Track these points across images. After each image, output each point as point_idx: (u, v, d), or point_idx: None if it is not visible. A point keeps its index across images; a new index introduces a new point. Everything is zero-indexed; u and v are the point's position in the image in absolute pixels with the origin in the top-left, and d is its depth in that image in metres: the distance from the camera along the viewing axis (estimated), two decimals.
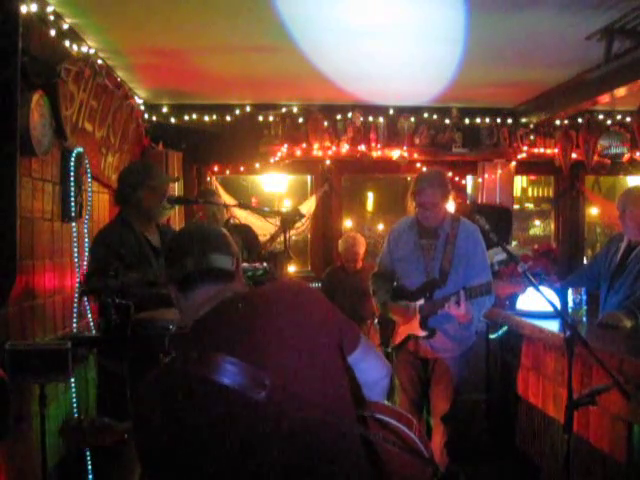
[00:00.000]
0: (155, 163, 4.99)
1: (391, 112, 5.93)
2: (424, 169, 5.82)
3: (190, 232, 1.82)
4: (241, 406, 1.44)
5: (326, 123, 5.84)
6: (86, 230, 3.57)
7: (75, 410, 3.25)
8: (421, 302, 3.41)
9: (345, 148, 5.82)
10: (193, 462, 1.42)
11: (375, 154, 5.87)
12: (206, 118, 5.77)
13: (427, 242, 3.51)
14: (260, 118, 5.82)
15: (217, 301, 1.60)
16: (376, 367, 1.78)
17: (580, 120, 5.97)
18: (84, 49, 3.70)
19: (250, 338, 1.53)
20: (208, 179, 5.90)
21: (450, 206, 3.71)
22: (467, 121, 6.03)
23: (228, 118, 5.78)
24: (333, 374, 1.59)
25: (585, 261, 6.31)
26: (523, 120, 6.02)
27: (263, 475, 1.44)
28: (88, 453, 3.20)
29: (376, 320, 3.98)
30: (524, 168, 6.28)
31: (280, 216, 3.76)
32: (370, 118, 5.92)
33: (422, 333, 3.40)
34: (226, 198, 5.61)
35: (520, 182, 7.21)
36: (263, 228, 5.42)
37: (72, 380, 3.12)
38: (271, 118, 5.81)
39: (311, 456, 1.48)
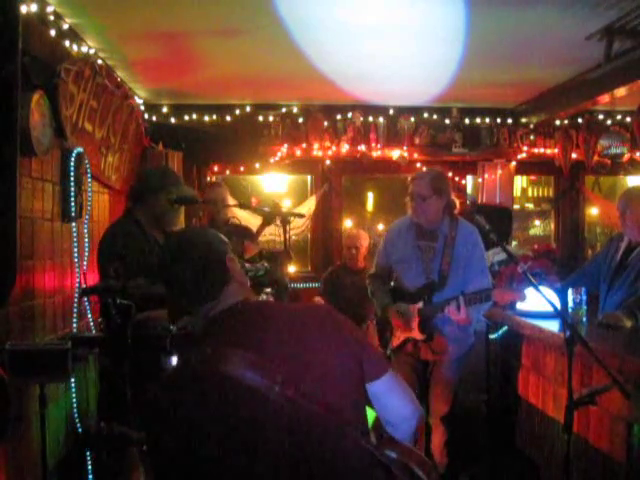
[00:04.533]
0: (156, 164, 5.02)
1: (391, 112, 5.93)
2: (424, 169, 5.83)
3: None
4: (254, 402, 1.46)
5: (326, 123, 5.85)
6: (86, 230, 3.57)
7: (75, 410, 3.26)
8: (420, 304, 3.40)
9: (345, 148, 5.82)
10: (206, 457, 1.45)
11: (375, 154, 5.88)
12: (206, 118, 5.77)
13: (425, 244, 3.48)
14: (260, 118, 5.82)
15: (227, 305, 1.63)
16: (401, 405, 1.71)
17: (580, 120, 5.97)
18: (84, 49, 3.71)
19: (264, 339, 1.55)
20: (208, 179, 5.90)
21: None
22: (467, 121, 6.03)
23: (228, 118, 5.78)
24: (346, 390, 1.57)
25: (585, 261, 6.31)
26: (523, 120, 6.02)
27: (270, 470, 1.46)
28: (88, 453, 3.20)
29: (375, 321, 3.98)
30: (524, 168, 6.28)
31: (281, 215, 3.76)
32: (370, 118, 5.92)
33: (421, 336, 3.40)
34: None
35: (520, 182, 7.20)
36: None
37: (72, 380, 3.12)
38: (271, 118, 5.82)
39: (317, 461, 1.48)
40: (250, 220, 5.43)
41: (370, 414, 1.73)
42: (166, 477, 1.52)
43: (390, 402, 1.70)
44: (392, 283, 3.64)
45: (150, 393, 1.54)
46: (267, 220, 4.53)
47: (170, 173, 3.42)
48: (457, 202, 3.58)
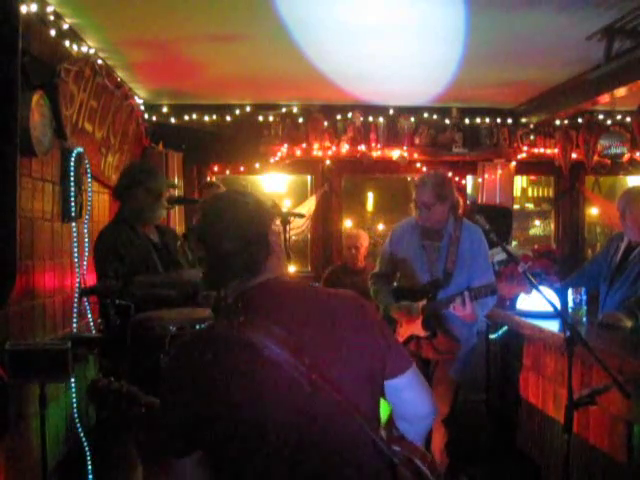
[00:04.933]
0: (156, 165, 5.02)
1: (391, 112, 5.93)
2: (424, 169, 5.84)
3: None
4: (275, 376, 1.45)
5: (326, 123, 5.85)
6: (86, 230, 3.57)
7: (75, 410, 3.25)
8: (424, 302, 3.40)
9: (345, 148, 5.82)
10: (215, 419, 1.44)
11: (375, 154, 5.87)
12: (206, 118, 5.77)
13: (430, 243, 3.51)
14: (260, 118, 5.82)
15: (265, 278, 1.59)
16: (421, 402, 1.70)
17: (580, 120, 5.97)
18: (84, 49, 3.70)
19: (295, 318, 1.53)
20: (208, 179, 5.90)
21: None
22: (467, 121, 6.03)
23: (228, 118, 5.78)
24: (365, 381, 1.56)
25: (585, 261, 6.31)
26: (523, 120, 6.02)
27: (275, 445, 1.45)
28: (88, 453, 3.20)
29: None
30: (524, 168, 6.28)
31: (280, 215, 3.76)
32: (370, 118, 5.92)
33: (424, 333, 3.40)
34: None
35: (520, 182, 7.20)
36: None
37: (72, 380, 3.12)
38: (271, 118, 5.82)
39: (323, 447, 1.48)
40: None
41: (384, 411, 1.73)
42: (172, 433, 1.50)
43: (409, 397, 1.69)
44: (395, 283, 3.65)
45: (176, 346, 1.53)
46: (283, 223, 4.47)
47: (146, 167, 3.43)
48: (461, 201, 3.60)
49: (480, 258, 3.44)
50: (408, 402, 1.69)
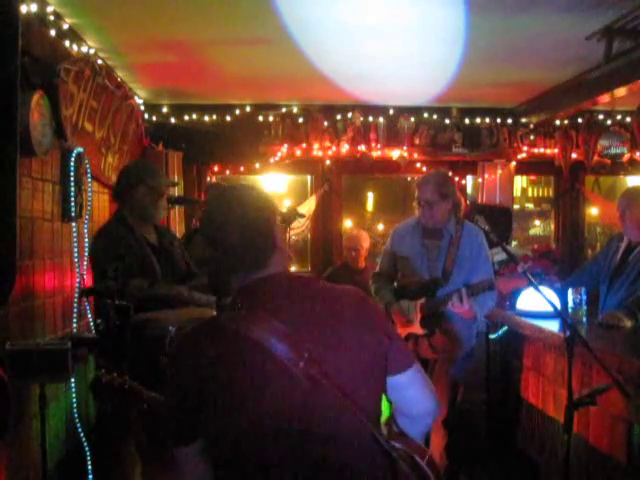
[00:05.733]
0: (156, 164, 5.01)
1: (391, 112, 5.93)
2: (424, 169, 5.84)
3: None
4: (274, 370, 1.46)
5: (326, 123, 5.84)
6: (86, 230, 3.57)
7: (75, 410, 3.26)
8: (422, 301, 3.41)
9: (345, 148, 5.82)
10: (215, 412, 1.46)
11: (375, 154, 5.87)
12: (206, 118, 5.76)
13: (431, 242, 3.52)
14: (260, 118, 5.81)
15: (268, 273, 1.59)
16: (424, 399, 1.69)
17: (580, 120, 5.96)
18: (84, 49, 3.70)
19: (297, 313, 1.54)
20: (208, 179, 5.90)
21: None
22: (467, 121, 6.02)
23: (228, 118, 5.77)
24: (366, 378, 1.56)
25: (585, 261, 6.31)
26: (523, 120, 6.01)
27: (272, 439, 1.46)
28: (88, 453, 3.20)
29: None
30: (524, 168, 6.27)
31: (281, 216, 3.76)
32: (370, 118, 5.91)
33: (422, 331, 3.41)
34: None
35: (520, 182, 7.21)
36: None
37: (72, 380, 3.12)
38: (271, 118, 5.81)
39: (322, 441, 1.48)
40: None
41: (385, 408, 1.72)
42: (178, 417, 1.52)
43: (412, 395, 1.68)
44: (395, 283, 3.66)
45: (177, 338, 1.55)
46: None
47: (146, 165, 3.42)
48: (462, 201, 3.61)
49: (480, 260, 3.45)
50: (411, 399, 1.69)
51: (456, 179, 6.03)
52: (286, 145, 5.73)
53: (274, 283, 1.59)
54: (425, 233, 3.54)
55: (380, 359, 1.60)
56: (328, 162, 5.97)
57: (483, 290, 3.25)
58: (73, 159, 3.43)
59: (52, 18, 3.20)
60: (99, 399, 2.48)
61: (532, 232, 7.33)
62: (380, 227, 7.61)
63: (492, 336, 4.30)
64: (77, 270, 3.42)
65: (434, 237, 3.51)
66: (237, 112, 5.76)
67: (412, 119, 5.95)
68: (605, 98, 4.66)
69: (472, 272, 3.41)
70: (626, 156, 5.81)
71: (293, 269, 5.96)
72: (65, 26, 3.39)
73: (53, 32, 3.26)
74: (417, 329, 3.41)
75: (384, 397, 1.67)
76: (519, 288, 3.43)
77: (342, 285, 1.70)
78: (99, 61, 3.94)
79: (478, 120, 6.04)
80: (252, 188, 1.69)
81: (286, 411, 1.47)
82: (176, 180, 5.27)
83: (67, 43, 3.47)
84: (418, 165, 5.97)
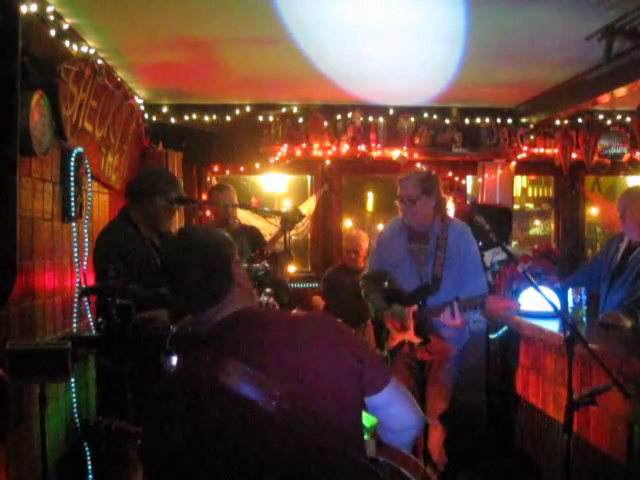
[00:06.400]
0: (156, 164, 5.00)
1: (391, 112, 5.93)
2: (424, 169, 5.84)
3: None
4: (251, 414, 1.45)
5: (326, 123, 5.84)
6: (86, 230, 3.57)
7: (75, 410, 3.26)
8: (415, 308, 3.38)
9: (345, 148, 5.82)
10: (199, 468, 1.44)
11: (375, 154, 5.87)
12: (206, 118, 5.76)
13: (417, 246, 3.47)
14: (260, 118, 5.82)
15: (229, 312, 1.61)
16: (405, 414, 1.70)
17: (580, 120, 5.96)
18: (84, 49, 3.70)
19: (264, 351, 1.53)
20: (208, 179, 5.90)
21: (450, 208, 3.65)
22: (467, 121, 6.03)
23: (228, 118, 5.77)
24: (344, 402, 1.56)
25: (585, 261, 6.31)
26: (523, 120, 6.02)
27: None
28: (88, 453, 3.20)
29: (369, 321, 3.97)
30: (524, 168, 6.28)
31: (280, 216, 3.76)
32: (370, 118, 5.92)
33: (417, 340, 3.38)
34: None
35: (520, 182, 7.20)
36: (263, 228, 5.42)
37: (72, 380, 3.12)
38: (271, 118, 5.81)
39: (308, 474, 1.47)
40: (251, 220, 5.44)
41: (369, 419, 1.72)
42: (158, 469, 1.51)
43: (392, 412, 1.68)
44: (386, 283, 3.63)
45: (148, 399, 1.54)
46: (285, 225, 4.38)
47: (167, 175, 3.41)
48: (448, 200, 3.57)
49: (469, 261, 3.41)
50: (392, 416, 1.69)
51: (456, 179, 6.05)
52: (286, 145, 5.74)
53: (237, 323, 1.59)
54: (410, 237, 3.49)
55: (354, 382, 1.59)
56: (328, 162, 5.97)
57: (475, 308, 3.20)
58: (73, 159, 3.43)
59: (52, 18, 3.20)
60: (91, 444, 2.50)
61: (532, 232, 7.32)
62: (380, 227, 7.59)
63: (492, 336, 4.30)
64: (77, 270, 3.42)
65: (420, 241, 3.46)
66: (237, 112, 5.76)
67: (412, 119, 5.95)
68: (605, 98, 4.66)
69: (462, 274, 3.38)
70: (626, 156, 5.81)
71: (293, 269, 5.97)
72: (65, 26, 3.39)
73: (53, 32, 3.26)
74: (412, 337, 3.36)
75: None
76: (510, 309, 3.38)
77: (308, 314, 1.71)
78: (99, 61, 3.94)
79: (478, 120, 6.04)
80: (209, 228, 1.80)
81: (268, 448, 1.46)
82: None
83: (67, 43, 3.47)
84: (418, 165, 5.96)
